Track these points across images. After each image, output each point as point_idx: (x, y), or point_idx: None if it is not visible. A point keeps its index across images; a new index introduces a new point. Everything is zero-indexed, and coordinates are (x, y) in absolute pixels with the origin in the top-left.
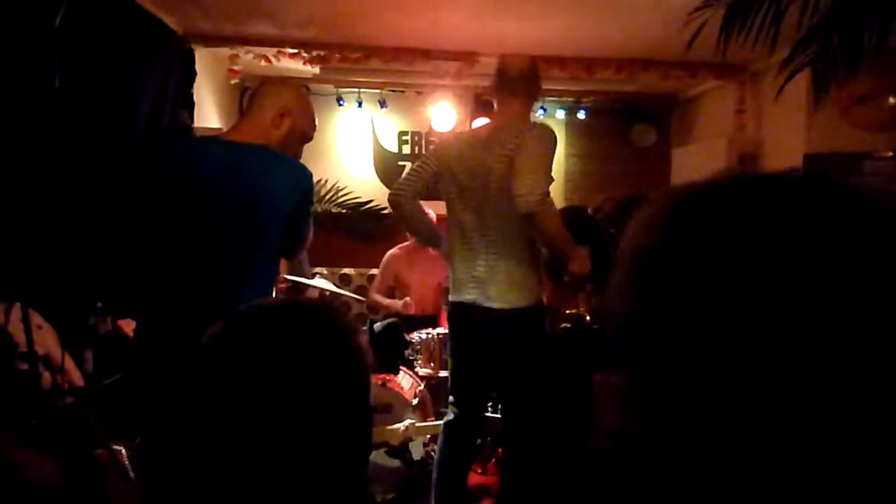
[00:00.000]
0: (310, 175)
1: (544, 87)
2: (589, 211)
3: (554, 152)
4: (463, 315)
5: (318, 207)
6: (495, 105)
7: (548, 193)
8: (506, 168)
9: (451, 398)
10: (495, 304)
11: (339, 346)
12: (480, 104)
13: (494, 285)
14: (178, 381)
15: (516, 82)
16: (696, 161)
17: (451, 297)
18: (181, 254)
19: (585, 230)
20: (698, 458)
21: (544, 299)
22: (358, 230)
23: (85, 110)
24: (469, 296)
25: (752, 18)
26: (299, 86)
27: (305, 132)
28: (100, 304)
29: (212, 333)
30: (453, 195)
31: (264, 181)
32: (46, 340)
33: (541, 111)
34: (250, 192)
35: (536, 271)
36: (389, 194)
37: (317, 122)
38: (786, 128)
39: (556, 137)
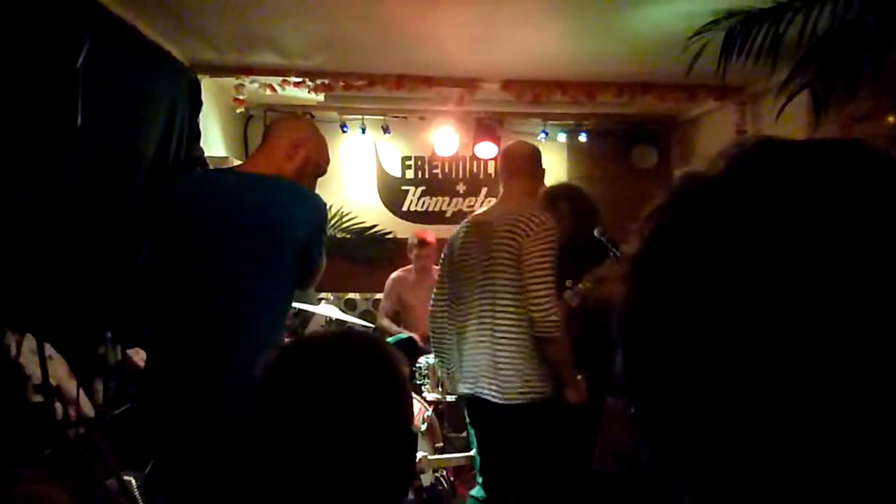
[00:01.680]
0: (324, 205)
1: (545, 111)
2: (596, 233)
3: (555, 242)
4: (472, 410)
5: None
6: (501, 188)
7: (561, 318)
8: (510, 265)
9: (479, 478)
10: (502, 400)
11: (386, 375)
12: (482, 128)
13: (497, 380)
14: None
15: (521, 164)
16: None
17: (460, 389)
18: (195, 284)
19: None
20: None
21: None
22: (362, 255)
23: (94, 142)
24: (475, 390)
25: (751, 41)
26: (312, 121)
27: (320, 164)
28: (109, 334)
29: (268, 362)
30: (456, 287)
31: (278, 210)
32: (57, 371)
33: (542, 134)
34: (263, 221)
35: (540, 363)
36: (429, 320)
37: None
38: None
39: (556, 230)
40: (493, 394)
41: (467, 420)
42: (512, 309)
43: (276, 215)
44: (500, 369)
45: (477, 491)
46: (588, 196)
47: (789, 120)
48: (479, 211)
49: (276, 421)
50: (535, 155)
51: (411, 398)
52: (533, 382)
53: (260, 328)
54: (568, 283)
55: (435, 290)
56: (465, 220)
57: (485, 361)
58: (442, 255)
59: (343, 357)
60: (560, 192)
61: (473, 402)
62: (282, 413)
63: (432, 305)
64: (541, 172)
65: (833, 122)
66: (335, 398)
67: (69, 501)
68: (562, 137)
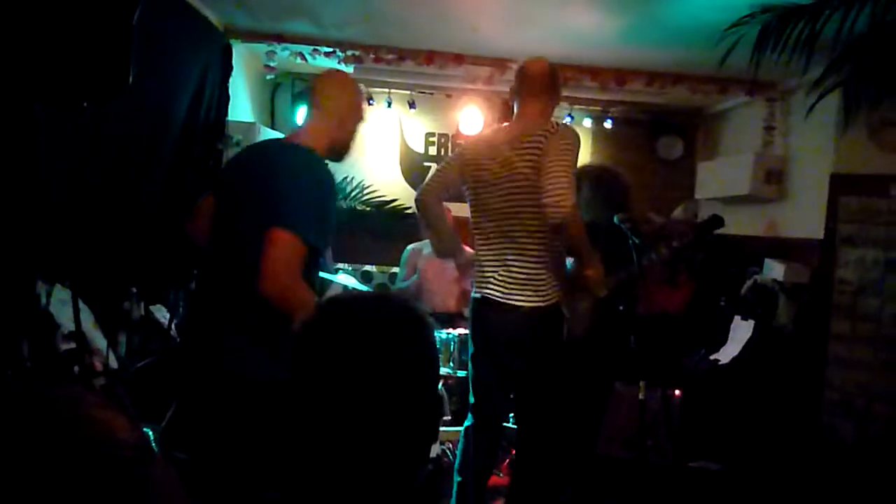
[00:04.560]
0: (311, 157)
1: (573, 94)
2: (616, 219)
3: (578, 153)
4: (484, 311)
5: (344, 204)
6: (515, 107)
7: (575, 202)
8: (531, 169)
9: (471, 400)
10: (516, 303)
11: (419, 336)
12: (508, 109)
13: (515, 284)
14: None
15: (537, 85)
16: (721, 175)
17: (473, 293)
18: (218, 248)
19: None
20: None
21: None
22: (381, 228)
23: (131, 102)
24: (491, 293)
25: (786, 37)
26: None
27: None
28: (134, 290)
29: (307, 321)
30: (476, 196)
31: (266, 170)
32: (83, 323)
33: (568, 118)
34: (253, 184)
35: (556, 271)
36: (416, 196)
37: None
38: (814, 146)
39: (579, 138)
40: (503, 296)
41: (471, 333)
42: (527, 215)
43: (264, 175)
44: (517, 274)
45: (468, 419)
46: (616, 180)
47: (819, 118)
48: (488, 131)
49: (310, 377)
50: (554, 74)
51: (439, 361)
52: (544, 290)
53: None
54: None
55: (431, 178)
56: (475, 139)
57: (502, 267)
58: (455, 157)
59: (379, 315)
60: (585, 172)
61: (484, 305)
62: (316, 369)
63: (425, 188)
64: (558, 93)
65: (862, 124)
66: (370, 355)
67: (129, 427)
68: (587, 123)
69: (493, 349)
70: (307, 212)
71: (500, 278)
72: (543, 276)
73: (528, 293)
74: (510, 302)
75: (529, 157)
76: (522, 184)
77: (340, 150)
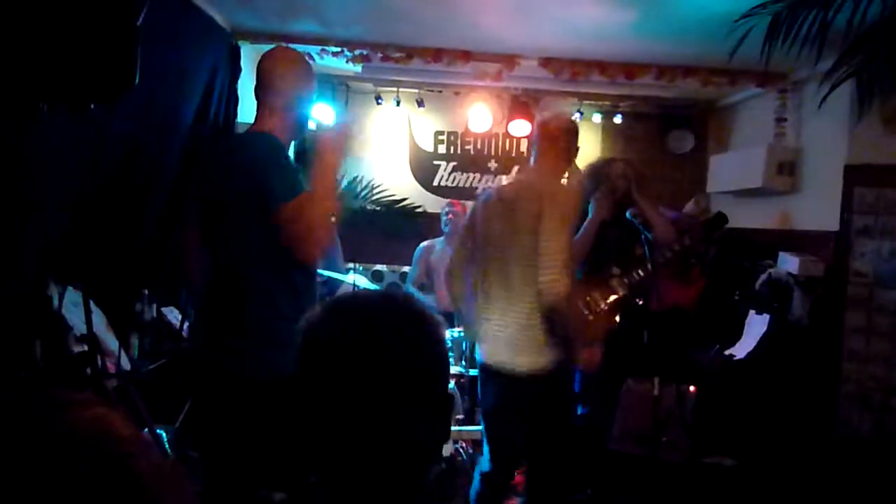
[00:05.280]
0: (265, 144)
1: (582, 90)
2: (628, 214)
3: (576, 213)
4: (490, 378)
5: (354, 204)
6: (532, 159)
7: (568, 283)
8: (530, 231)
9: (485, 449)
10: (521, 367)
11: (426, 335)
12: (517, 105)
13: (518, 343)
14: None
15: (554, 143)
16: (733, 168)
17: (478, 358)
18: (212, 248)
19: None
20: None
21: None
22: (391, 227)
23: (139, 103)
24: (493, 359)
25: (797, 27)
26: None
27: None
28: (146, 292)
29: (310, 319)
30: (484, 256)
31: (230, 166)
32: (96, 324)
33: (577, 114)
34: (222, 180)
35: (562, 334)
36: (447, 276)
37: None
38: (827, 138)
39: (579, 197)
40: (509, 362)
41: (479, 388)
42: (531, 278)
43: (234, 168)
44: (516, 338)
45: (483, 464)
46: (610, 167)
47: (832, 109)
48: (504, 183)
49: (314, 376)
50: (572, 132)
51: (449, 359)
52: (547, 351)
53: (269, 285)
54: (616, 270)
55: (454, 253)
56: (488, 192)
57: (502, 332)
58: (466, 221)
59: (385, 314)
60: (588, 169)
61: (490, 370)
62: (321, 369)
63: (450, 265)
64: (574, 150)
65: (875, 113)
66: (376, 355)
67: (124, 422)
68: (597, 118)
69: (502, 409)
70: (287, 176)
71: (502, 336)
72: (544, 338)
73: (533, 354)
74: (515, 367)
75: (530, 222)
76: (521, 245)
77: (301, 124)
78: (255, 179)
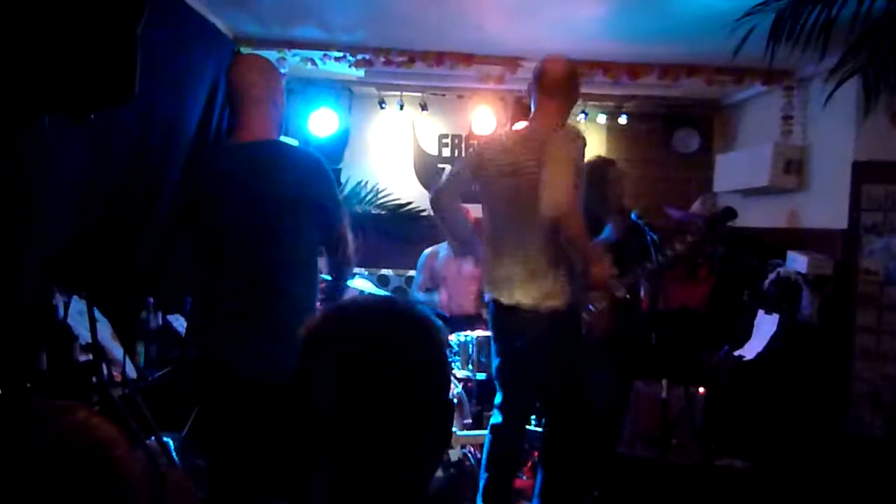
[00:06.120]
0: (316, 159)
1: (586, 91)
2: (634, 216)
3: (582, 153)
4: (502, 316)
5: (359, 208)
6: (532, 107)
7: (575, 197)
8: (535, 170)
9: (497, 399)
10: (530, 305)
11: (426, 341)
12: (522, 108)
13: (526, 285)
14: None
15: (554, 85)
16: (740, 167)
17: (487, 296)
18: (218, 255)
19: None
20: None
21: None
22: (397, 232)
23: (141, 112)
24: (506, 296)
25: (801, 23)
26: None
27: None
28: (151, 300)
29: (311, 326)
30: (487, 194)
31: (270, 174)
32: (102, 333)
33: (582, 115)
34: (258, 188)
35: (568, 272)
36: (431, 195)
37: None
38: (834, 134)
39: (583, 139)
40: (524, 300)
41: (492, 334)
42: (535, 217)
43: (269, 179)
44: (529, 276)
45: (495, 416)
46: (601, 167)
47: (838, 105)
48: (503, 131)
49: (314, 382)
50: (572, 75)
51: (450, 367)
52: (556, 290)
53: (293, 291)
54: (615, 270)
55: (446, 179)
56: (489, 139)
57: (515, 270)
58: (468, 159)
59: (386, 320)
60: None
61: (501, 309)
62: (322, 375)
63: (441, 186)
64: (576, 94)
65: (882, 109)
66: (375, 361)
67: (106, 425)
68: (602, 119)
69: (515, 350)
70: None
71: (511, 279)
72: (554, 276)
73: (542, 294)
74: (524, 305)
75: (534, 156)
76: (529, 185)
77: (281, 127)
78: (306, 192)
